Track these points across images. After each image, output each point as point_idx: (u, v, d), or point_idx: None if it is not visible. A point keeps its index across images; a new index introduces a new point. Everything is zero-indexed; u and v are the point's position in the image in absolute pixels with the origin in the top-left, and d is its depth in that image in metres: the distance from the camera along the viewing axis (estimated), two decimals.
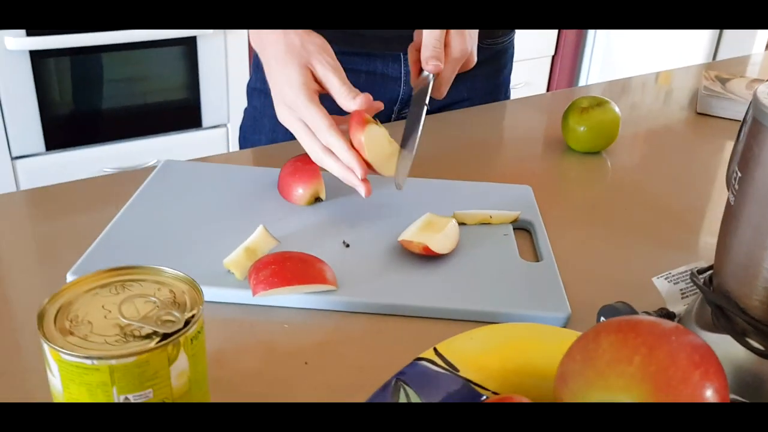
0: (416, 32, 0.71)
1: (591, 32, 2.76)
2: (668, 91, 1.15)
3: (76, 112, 1.76)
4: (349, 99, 0.60)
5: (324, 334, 0.51)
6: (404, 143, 0.63)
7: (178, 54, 1.85)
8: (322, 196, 0.66)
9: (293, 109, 0.61)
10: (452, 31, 0.68)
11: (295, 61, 0.61)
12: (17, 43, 1.59)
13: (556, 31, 2.64)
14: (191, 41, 1.84)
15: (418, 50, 0.67)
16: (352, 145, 0.59)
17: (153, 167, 0.73)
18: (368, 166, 0.59)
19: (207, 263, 0.55)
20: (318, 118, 0.59)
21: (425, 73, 0.66)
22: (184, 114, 1.91)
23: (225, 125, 1.99)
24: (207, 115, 1.95)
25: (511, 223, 0.64)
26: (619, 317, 0.32)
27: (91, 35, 1.68)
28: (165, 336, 0.36)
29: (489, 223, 0.64)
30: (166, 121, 1.89)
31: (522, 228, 0.66)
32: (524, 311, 0.52)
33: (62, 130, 1.75)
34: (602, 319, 0.50)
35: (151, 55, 1.80)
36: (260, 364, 0.47)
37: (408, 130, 0.64)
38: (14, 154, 1.70)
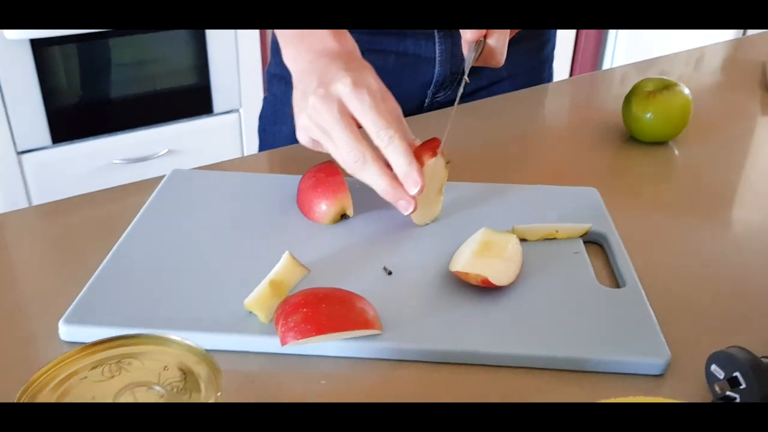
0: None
1: None
2: (724, 67, 1.03)
3: (82, 102, 1.67)
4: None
5: (371, 390, 0.42)
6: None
7: (186, 36, 1.74)
8: (350, 212, 0.57)
9: (330, 94, 0.50)
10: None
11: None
12: (17, 31, 1.49)
13: None
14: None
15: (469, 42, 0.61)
16: None
17: (161, 177, 0.64)
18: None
19: (224, 302, 0.46)
20: (374, 110, 0.49)
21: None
22: (195, 100, 1.82)
23: (237, 110, 1.89)
24: (218, 101, 1.85)
25: (580, 237, 0.54)
26: None
27: None
28: None
29: (555, 238, 0.54)
30: (177, 108, 1.80)
31: (592, 241, 0.56)
32: (611, 356, 0.43)
33: (68, 122, 1.66)
34: (714, 369, 0.40)
35: (159, 38, 1.70)
36: None
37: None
38: (20, 149, 1.62)
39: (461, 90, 0.58)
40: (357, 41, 0.60)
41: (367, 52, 0.73)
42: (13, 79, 1.55)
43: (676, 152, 0.74)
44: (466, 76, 0.58)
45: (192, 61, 1.77)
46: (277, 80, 0.84)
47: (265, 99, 0.89)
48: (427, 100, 0.84)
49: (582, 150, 0.74)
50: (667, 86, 0.72)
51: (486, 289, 0.48)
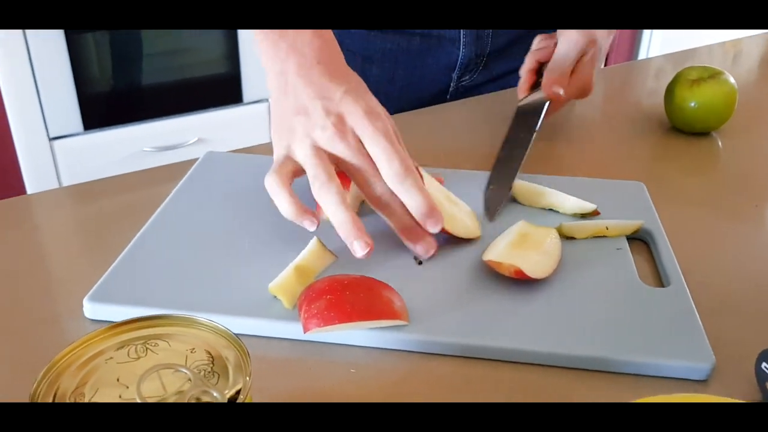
0: (539, 38, 0.68)
1: None
2: (764, 58, 0.99)
3: (113, 89, 1.68)
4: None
5: (398, 382, 0.40)
6: (500, 175, 0.56)
7: (218, 32, 1.75)
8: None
9: (343, 124, 0.46)
10: (586, 59, 0.64)
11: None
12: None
13: None
14: None
15: (539, 61, 0.65)
16: None
17: (194, 160, 0.63)
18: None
19: (249, 286, 0.45)
20: (390, 147, 0.46)
21: (540, 92, 0.61)
22: (225, 89, 1.82)
23: (266, 100, 1.89)
24: (248, 90, 1.85)
25: (629, 235, 0.52)
26: None
27: None
28: None
29: (604, 236, 0.51)
30: (206, 97, 1.81)
31: (636, 238, 0.53)
32: (651, 359, 0.40)
33: (100, 109, 1.68)
34: (766, 367, 0.38)
35: (191, 32, 1.71)
36: None
37: (507, 160, 0.56)
38: (52, 135, 1.64)
39: (533, 138, 0.59)
40: None
41: (391, 32, 0.71)
42: (46, 67, 1.57)
43: (720, 143, 0.71)
44: (537, 129, 0.59)
45: (222, 51, 1.77)
46: None
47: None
48: (452, 84, 0.81)
49: (622, 141, 0.71)
50: (712, 75, 0.69)
51: (520, 282, 0.46)
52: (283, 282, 0.45)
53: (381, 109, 0.49)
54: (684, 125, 0.71)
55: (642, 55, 2.59)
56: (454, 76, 0.80)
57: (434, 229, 0.47)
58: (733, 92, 0.69)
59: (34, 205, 0.59)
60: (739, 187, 0.63)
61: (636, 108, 0.79)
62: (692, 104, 0.68)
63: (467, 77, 0.81)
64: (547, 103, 0.61)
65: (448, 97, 0.82)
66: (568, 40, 0.63)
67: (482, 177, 0.58)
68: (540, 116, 0.60)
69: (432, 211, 0.46)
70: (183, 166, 0.62)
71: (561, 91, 0.60)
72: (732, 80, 0.69)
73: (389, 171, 0.45)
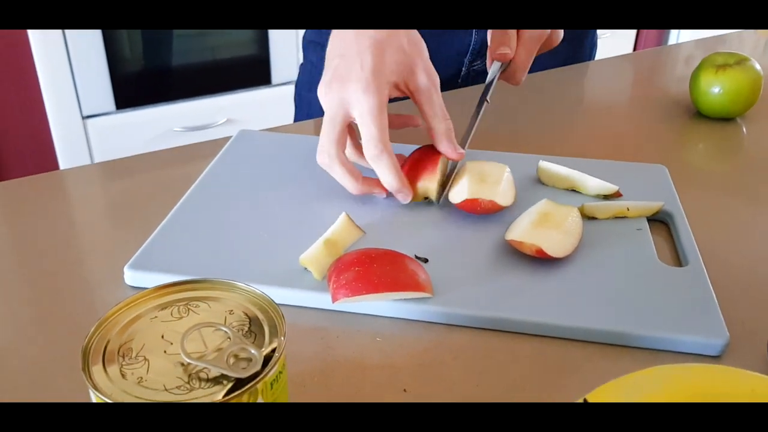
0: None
1: None
2: None
3: (145, 70, 1.72)
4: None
5: (422, 352, 0.42)
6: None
7: None
8: (432, 197, 0.54)
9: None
10: None
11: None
12: None
13: None
14: None
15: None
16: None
17: (226, 138, 0.65)
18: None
19: (281, 258, 0.48)
20: (368, 125, 0.50)
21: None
22: (254, 70, 1.84)
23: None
24: (276, 72, 1.87)
25: (650, 216, 0.53)
26: None
27: None
28: (238, 382, 0.29)
29: (625, 217, 0.53)
30: (236, 78, 1.83)
31: (656, 219, 0.54)
32: (667, 334, 0.42)
33: (131, 89, 1.72)
34: None
35: None
36: (351, 389, 0.40)
37: (464, 134, 0.58)
38: (85, 113, 1.68)
39: (482, 111, 0.59)
40: None
41: None
42: (82, 47, 1.60)
43: (744, 129, 0.71)
44: (488, 98, 0.59)
45: (252, 33, 1.80)
46: (314, 46, 0.84)
47: (301, 66, 0.89)
48: (464, 69, 0.82)
49: (647, 125, 0.72)
50: (738, 60, 0.69)
51: (541, 260, 0.47)
52: (313, 254, 0.47)
53: (385, 77, 0.51)
54: (708, 111, 0.71)
55: (672, 39, 2.55)
56: (466, 61, 0.81)
57: (403, 201, 0.54)
58: (759, 79, 0.69)
59: (70, 180, 0.62)
60: (761, 172, 0.63)
61: (663, 93, 0.79)
62: (716, 90, 0.69)
63: (479, 62, 0.81)
64: (498, 68, 0.60)
65: (459, 81, 0.83)
66: None
67: (490, 156, 0.60)
68: (489, 87, 0.59)
69: (400, 188, 0.52)
70: (215, 145, 0.65)
71: (508, 51, 0.59)
72: (758, 67, 0.69)
73: (366, 153, 0.51)
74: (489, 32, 0.62)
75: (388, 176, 0.51)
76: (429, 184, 0.53)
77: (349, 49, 0.51)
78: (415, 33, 0.54)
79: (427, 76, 0.53)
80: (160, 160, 0.64)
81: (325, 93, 0.52)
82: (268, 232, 0.51)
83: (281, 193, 0.56)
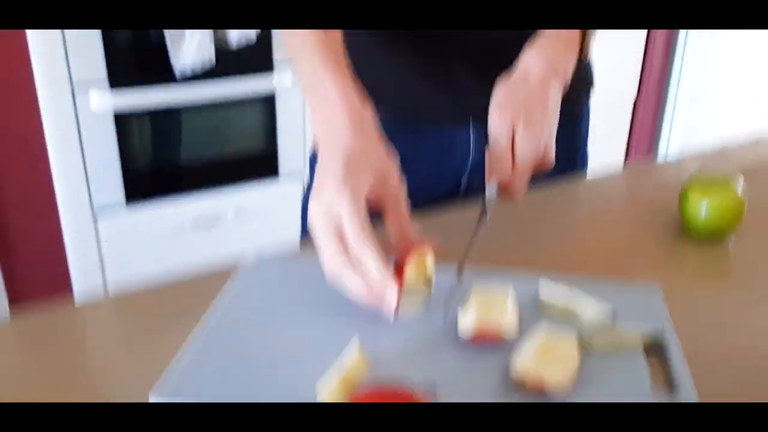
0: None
1: (674, 78, 2.59)
2: None
3: (155, 167, 1.79)
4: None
5: None
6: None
7: (256, 111, 1.86)
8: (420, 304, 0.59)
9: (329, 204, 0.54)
10: (519, 132, 0.64)
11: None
12: (101, 102, 1.64)
13: (635, 82, 2.52)
14: (270, 99, 1.86)
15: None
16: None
17: (230, 270, 0.69)
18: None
19: (296, 387, 0.51)
20: (356, 218, 0.53)
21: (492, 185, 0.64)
22: (262, 163, 1.93)
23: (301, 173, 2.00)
24: (284, 164, 1.95)
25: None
26: None
27: (172, 95, 1.71)
28: None
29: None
30: (244, 171, 1.91)
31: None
32: None
33: (142, 184, 1.79)
34: None
35: (230, 113, 1.83)
36: None
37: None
38: (96, 205, 1.74)
39: (480, 232, 0.62)
40: (394, 122, 0.63)
41: (404, 132, 0.78)
42: (95, 147, 1.69)
43: (731, 248, 0.75)
44: (487, 217, 0.62)
45: (260, 125, 1.88)
46: None
47: (307, 185, 0.89)
48: (462, 188, 0.87)
49: (635, 242, 0.76)
50: (720, 182, 0.73)
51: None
52: (330, 394, 0.50)
53: (355, 180, 0.54)
54: (695, 230, 0.75)
55: (662, 147, 2.63)
56: (464, 181, 0.86)
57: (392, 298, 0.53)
58: (741, 202, 0.73)
59: (82, 316, 0.63)
60: (752, 291, 0.66)
61: (652, 210, 0.83)
62: (702, 212, 0.73)
63: (478, 177, 0.85)
64: (495, 190, 0.64)
65: (459, 194, 0.87)
66: (492, 123, 0.66)
67: (491, 274, 0.64)
68: (487, 212, 0.63)
69: (376, 300, 0.53)
70: (220, 277, 0.67)
71: (503, 178, 0.63)
72: (740, 186, 0.73)
73: (351, 238, 0.52)
74: (486, 153, 0.66)
75: (365, 288, 0.53)
76: (409, 297, 0.57)
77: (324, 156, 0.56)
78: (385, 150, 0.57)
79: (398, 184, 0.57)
80: (165, 294, 0.66)
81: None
82: (281, 361, 0.54)
83: (289, 321, 0.59)
